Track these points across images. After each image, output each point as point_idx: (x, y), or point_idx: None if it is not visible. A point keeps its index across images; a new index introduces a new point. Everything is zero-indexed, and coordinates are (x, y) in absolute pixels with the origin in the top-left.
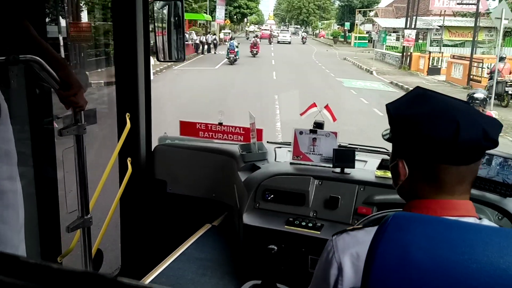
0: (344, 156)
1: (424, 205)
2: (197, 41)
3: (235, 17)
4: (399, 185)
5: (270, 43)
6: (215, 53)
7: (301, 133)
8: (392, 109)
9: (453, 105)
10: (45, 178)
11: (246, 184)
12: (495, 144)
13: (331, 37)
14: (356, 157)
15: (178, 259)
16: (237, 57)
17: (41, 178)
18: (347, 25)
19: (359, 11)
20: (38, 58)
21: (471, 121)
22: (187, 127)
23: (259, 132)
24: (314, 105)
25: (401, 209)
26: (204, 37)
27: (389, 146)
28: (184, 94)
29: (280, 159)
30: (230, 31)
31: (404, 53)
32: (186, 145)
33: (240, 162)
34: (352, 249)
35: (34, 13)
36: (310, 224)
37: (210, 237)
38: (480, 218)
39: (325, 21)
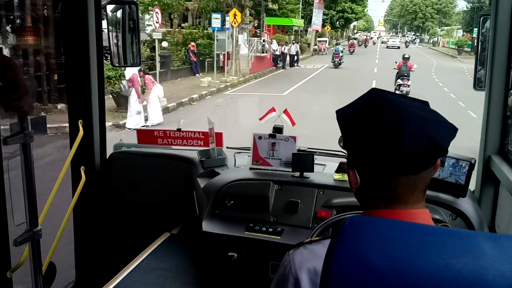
0: (303, 160)
1: (379, 216)
2: (277, 52)
3: (337, 22)
4: (354, 192)
5: (366, 47)
6: (297, 66)
7: (260, 138)
8: (340, 115)
9: (403, 113)
10: None
11: (205, 191)
12: (444, 152)
13: (454, 47)
14: (315, 161)
15: (135, 270)
16: (341, 61)
17: None
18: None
19: None
20: None
21: (417, 130)
22: (144, 135)
23: (219, 137)
24: (273, 109)
25: (360, 212)
26: (286, 47)
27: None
28: None
29: (240, 165)
30: (326, 39)
31: None
32: (143, 152)
33: (199, 169)
34: (309, 264)
35: None
36: (270, 229)
37: (169, 246)
38: None
39: (445, 27)
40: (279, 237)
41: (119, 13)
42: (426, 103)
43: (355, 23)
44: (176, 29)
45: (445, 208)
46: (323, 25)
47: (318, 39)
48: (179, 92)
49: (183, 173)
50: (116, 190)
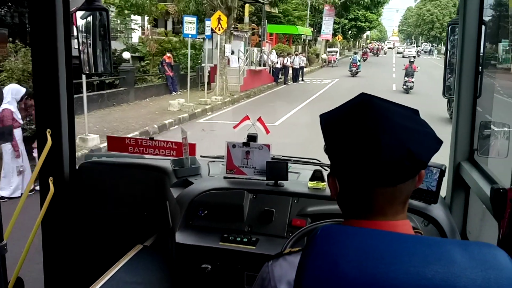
0: (277, 168)
1: (359, 226)
2: (278, 65)
3: (349, 32)
4: (336, 200)
5: (377, 56)
6: (302, 81)
7: (234, 146)
8: (323, 119)
9: (384, 121)
10: None
11: (178, 201)
12: (422, 165)
13: None
14: (290, 169)
15: (107, 284)
16: (359, 70)
17: None
18: (505, 43)
19: None
20: None
21: (396, 140)
22: (115, 142)
23: (192, 146)
24: (247, 117)
25: (335, 220)
26: (288, 58)
27: (321, 157)
28: None
29: (214, 174)
30: (337, 49)
31: None
32: (114, 162)
33: (173, 178)
34: (289, 276)
35: None
36: (245, 239)
37: (141, 258)
38: None
39: None
40: (254, 247)
41: (89, 20)
42: (415, 112)
43: (368, 32)
44: (151, 36)
45: (417, 215)
46: (334, 34)
47: (328, 49)
48: (134, 120)
49: (155, 183)
50: (87, 201)
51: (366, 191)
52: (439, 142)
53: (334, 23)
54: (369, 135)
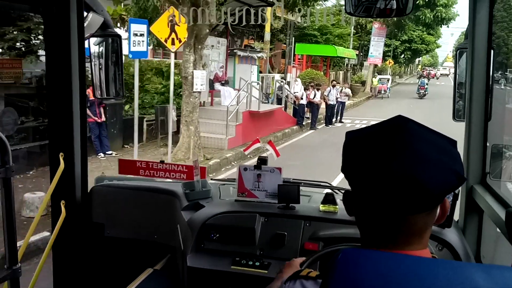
0: (289, 191)
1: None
2: (303, 100)
3: (402, 56)
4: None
5: (428, 79)
6: (340, 122)
7: (245, 169)
8: (348, 137)
9: (406, 148)
10: None
11: (190, 224)
12: (434, 198)
13: None
14: (301, 192)
15: None
16: (426, 92)
17: None
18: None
19: None
20: None
21: (406, 170)
22: (126, 165)
23: (203, 170)
24: (257, 141)
25: (348, 244)
26: (316, 92)
27: (331, 180)
28: None
29: (225, 197)
30: (389, 77)
31: None
32: (125, 185)
33: (184, 201)
34: None
35: None
36: (257, 263)
37: (152, 282)
38: None
39: None
40: (266, 271)
41: (102, 46)
42: (452, 143)
43: (420, 58)
44: None
45: (431, 239)
46: (384, 59)
47: (378, 76)
48: None
49: (166, 206)
50: (97, 225)
51: (376, 217)
52: (460, 178)
53: (385, 45)
54: (383, 158)
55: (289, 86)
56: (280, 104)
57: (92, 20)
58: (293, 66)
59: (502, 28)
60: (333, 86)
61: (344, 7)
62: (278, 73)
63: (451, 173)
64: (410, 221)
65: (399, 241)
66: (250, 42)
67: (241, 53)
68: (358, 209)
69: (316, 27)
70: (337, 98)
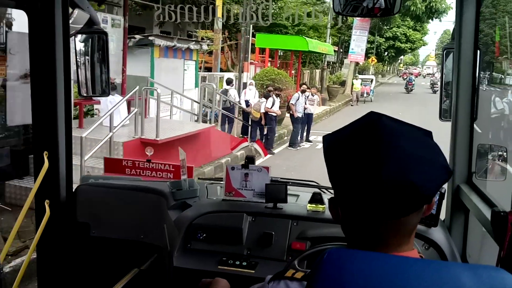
0: (277, 191)
1: None
2: (262, 109)
3: (385, 53)
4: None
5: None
6: (307, 141)
7: (233, 168)
8: (326, 141)
9: (389, 149)
10: None
11: (176, 224)
12: (427, 199)
13: None
14: (288, 192)
15: None
16: (413, 88)
17: None
18: None
19: None
20: None
21: (398, 174)
22: (112, 164)
23: (190, 168)
24: (245, 139)
25: (335, 243)
26: (273, 99)
27: (319, 180)
28: None
29: (212, 196)
30: (372, 77)
31: None
32: (111, 184)
33: (170, 201)
34: None
35: None
36: (244, 263)
37: (138, 282)
38: None
39: None
40: (253, 271)
41: (88, 43)
42: (427, 134)
43: (402, 56)
44: None
45: (418, 238)
46: (367, 56)
47: (361, 76)
48: None
49: (153, 206)
50: (82, 224)
51: (366, 221)
52: (449, 172)
53: (368, 42)
54: (370, 165)
55: (240, 90)
56: (209, 124)
57: (77, 16)
58: (251, 63)
59: (491, 25)
60: (303, 91)
61: (332, 5)
62: (242, 72)
63: (441, 169)
64: (403, 223)
65: (390, 244)
66: (201, 31)
67: (162, 43)
68: (346, 215)
69: (287, 17)
70: (305, 109)
